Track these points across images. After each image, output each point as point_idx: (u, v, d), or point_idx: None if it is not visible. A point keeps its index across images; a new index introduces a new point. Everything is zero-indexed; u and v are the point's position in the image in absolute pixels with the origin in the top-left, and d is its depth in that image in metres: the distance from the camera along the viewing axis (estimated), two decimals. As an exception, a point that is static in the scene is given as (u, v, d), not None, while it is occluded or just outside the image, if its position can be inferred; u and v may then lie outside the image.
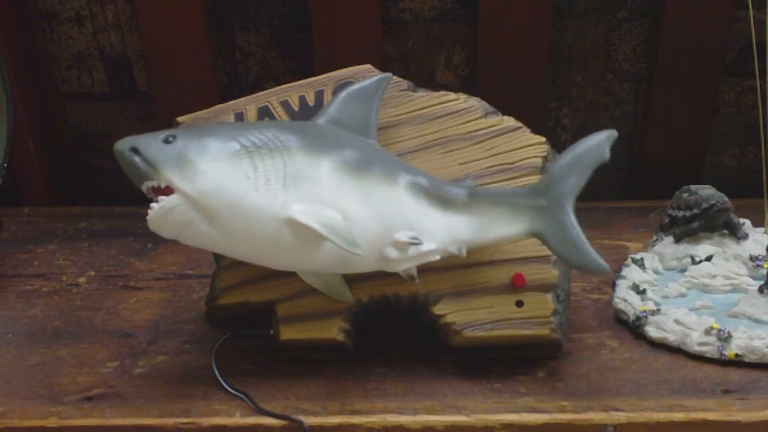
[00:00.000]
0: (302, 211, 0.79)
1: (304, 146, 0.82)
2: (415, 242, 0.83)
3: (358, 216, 0.81)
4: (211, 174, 0.78)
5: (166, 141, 0.79)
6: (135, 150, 0.79)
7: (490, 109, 0.94)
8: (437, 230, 0.85)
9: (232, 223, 0.79)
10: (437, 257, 0.85)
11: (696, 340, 0.91)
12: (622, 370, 0.91)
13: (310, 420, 0.84)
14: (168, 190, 0.79)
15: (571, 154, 0.86)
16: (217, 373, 0.90)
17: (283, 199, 0.80)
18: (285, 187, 0.80)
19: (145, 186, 0.80)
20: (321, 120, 0.87)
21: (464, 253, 0.86)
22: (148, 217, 0.79)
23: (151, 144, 0.79)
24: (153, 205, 0.79)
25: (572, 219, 0.85)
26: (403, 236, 0.83)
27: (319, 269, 0.86)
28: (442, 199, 0.85)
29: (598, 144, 0.86)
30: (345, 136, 0.85)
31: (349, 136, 0.85)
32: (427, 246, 0.84)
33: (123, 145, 0.80)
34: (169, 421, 0.85)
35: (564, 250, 0.85)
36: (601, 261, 0.84)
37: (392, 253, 0.83)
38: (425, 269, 0.87)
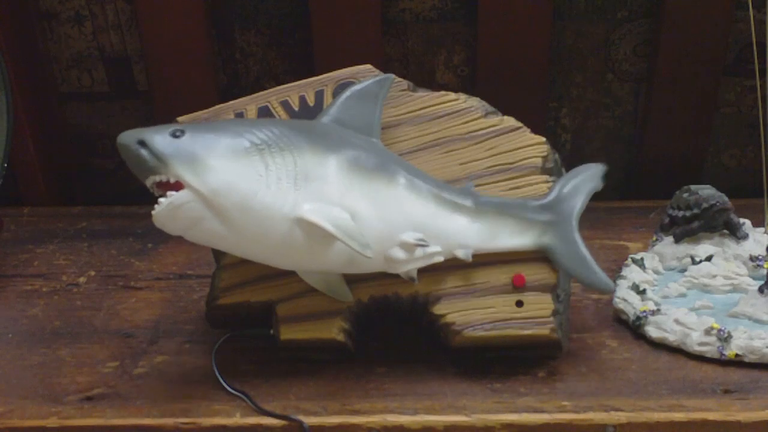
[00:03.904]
0: (314, 211, 0.79)
1: (313, 145, 0.81)
2: (422, 244, 0.83)
3: (366, 216, 0.81)
4: (224, 171, 0.77)
5: (174, 135, 0.78)
6: (142, 143, 0.78)
7: (490, 109, 0.94)
8: (443, 233, 0.85)
9: (242, 222, 0.78)
10: (442, 259, 0.85)
11: (696, 340, 0.91)
12: (622, 370, 0.91)
13: (310, 420, 0.84)
14: (176, 186, 0.77)
15: (578, 176, 0.90)
16: (217, 373, 0.90)
17: (294, 199, 0.79)
18: (296, 187, 0.79)
19: (151, 180, 0.79)
20: (325, 119, 0.87)
21: (470, 258, 0.87)
22: (154, 213, 0.78)
23: (159, 137, 0.78)
24: (161, 200, 0.78)
25: (579, 236, 0.88)
26: (410, 237, 0.83)
27: (327, 269, 0.86)
28: (449, 203, 0.86)
29: (597, 173, 0.91)
30: (351, 136, 0.85)
31: (354, 136, 0.85)
32: (433, 248, 0.84)
33: (128, 137, 0.78)
34: (169, 421, 0.85)
35: (572, 266, 0.88)
36: (607, 279, 0.88)
37: (398, 253, 0.83)
38: (425, 269, 0.87)
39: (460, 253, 0.86)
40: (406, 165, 0.87)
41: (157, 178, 0.78)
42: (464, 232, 0.86)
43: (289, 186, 0.79)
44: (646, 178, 1.34)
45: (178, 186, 0.78)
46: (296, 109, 0.91)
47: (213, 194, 0.77)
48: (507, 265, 0.90)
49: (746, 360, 0.90)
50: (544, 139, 0.93)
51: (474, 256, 0.88)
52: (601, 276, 0.88)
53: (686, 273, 1.02)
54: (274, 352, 0.91)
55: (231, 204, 0.78)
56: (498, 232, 0.88)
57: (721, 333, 0.90)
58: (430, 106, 0.92)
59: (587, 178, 0.91)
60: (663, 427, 0.83)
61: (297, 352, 0.91)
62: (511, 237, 0.88)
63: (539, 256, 0.89)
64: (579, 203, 0.89)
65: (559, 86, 1.31)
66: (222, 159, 0.78)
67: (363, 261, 0.82)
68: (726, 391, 0.87)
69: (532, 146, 0.92)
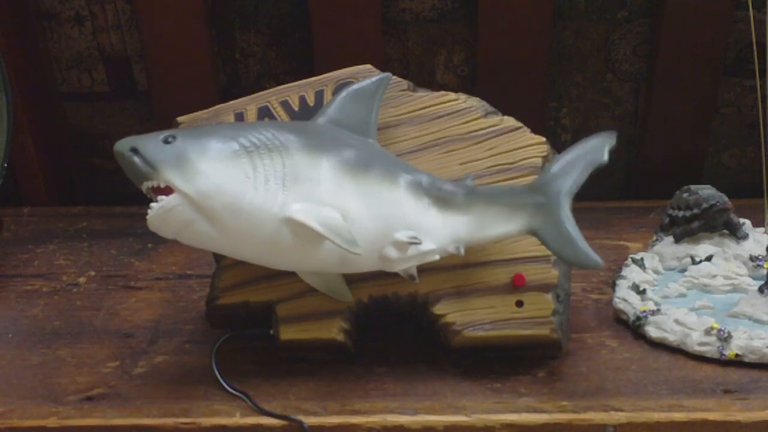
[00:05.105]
0: (301, 211, 0.79)
1: (304, 146, 0.82)
2: (415, 242, 0.83)
3: (358, 216, 0.81)
4: (211, 174, 0.79)
5: (166, 141, 0.80)
6: (134, 150, 0.79)
7: (490, 109, 0.94)
8: (436, 229, 0.85)
9: (231, 223, 0.79)
10: (437, 257, 0.85)
11: (696, 340, 0.91)
12: (622, 370, 0.91)
13: (310, 420, 0.84)
14: (168, 190, 0.79)
15: (571, 153, 0.87)
16: (217, 373, 0.90)
17: (283, 199, 0.80)
18: (284, 187, 0.80)
19: (145, 186, 0.80)
20: (321, 120, 0.87)
21: (462, 251, 0.86)
22: (147, 217, 0.80)
23: (150, 144, 0.80)
24: (153, 205, 0.80)
25: (568, 215, 0.85)
26: (402, 236, 0.83)
27: (319, 269, 0.86)
28: (440, 199, 0.85)
29: (598, 146, 0.87)
30: (344, 135, 0.85)
31: (348, 135, 0.85)
32: (427, 246, 0.84)
33: (122, 145, 0.80)
34: (169, 421, 0.85)
35: (558, 246, 0.85)
36: (594, 256, 0.84)
37: (392, 252, 0.83)
38: (425, 269, 0.87)
39: (452, 248, 0.86)
40: (401, 164, 0.87)
41: (150, 184, 0.80)
42: (456, 225, 0.85)
43: (278, 187, 0.80)
44: (646, 178, 1.34)
45: (169, 191, 0.79)
46: (296, 109, 0.91)
47: (202, 197, 0.78)
48: (507, 265, 0.90)
49: (746, 360, 0.90)
50: (544, 139, 0.93)
51: (474, 255, 0.88)
52: (590, 254, 0.84)
53: (686, 273, 1.02)
54: (274, 352, 0.92)
55: (220, 206, 0.79)
56: (488, 221, 0.86)
57: (721, 333, 0.90)
58: (430, 106, 0.92)
59: (584, 152, 0.87)
60: (663, 427, 0.83)
61: (297, 352, 0.91)
62: (501, 224, 0.86)
63: (539, 255, 0.89)
64: (570, 181, 0.86)
65: (559, 86, 1.31)
66: (210, 162, 0.79)
67: (357, 260, 0.82)
68: (726, 391, 0.87)
69: (532, 146, 0.92)
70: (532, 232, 0.86)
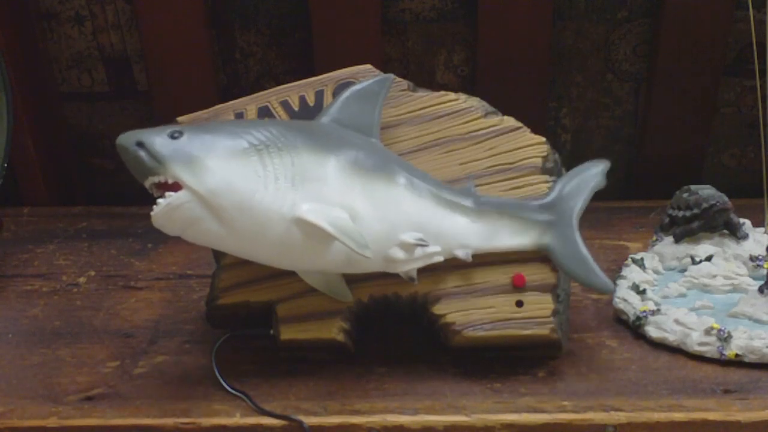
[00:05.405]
0: (312, 211, 0.79)
1: (311, 145, 0.81)
2: (422, 244, 0.83)
3: (365, 216, 0.81)
4: (221, 171, 0.78)
5: (173, 136, 0.79)
6: (140, 144, 0.78)
7: (490, 109, 0.94)
8: (443, 233, 0.85)
9: (240, 222, 0.79)
10: (441, 259, 0.85)
11: (696, 340, 0.91)
12: (622, 370, 0.91)
13: (310, 420, 0.84)
14: (174, 186, 0.78)
15: (579, 176, 0.90)
16: (217, 373, 0.90)
17: (292, 199, 0.79)
18: (294, 187, 0.79)
19: (149, 181, 0.79)
20: (324, 119, 0.87)
21: (470, 258, 0.87)
22: (153, 213, 0.78)
23: (157, 138, 0.78)
24: (159, 201, 0.78)
25: (579, 236, 0.88)
26: (409, 237, 0.83)
27: (326, 269, 0.86)
28: (449, 203, 0.86)
29: (597, 171, 0.91)
30: (350, 135, 0.85)
31: (354, 135, 0.85)
32: (433, 248, 0.84)
33: (127, 139, 0.79)
34: (169, 421, 0.85)
35: (571, 266, 0.88)
36: (606, 279, 0.88)
37: (398, 253, 0.83)
38: (425, 269, 0.87)
39: (460, 253, 0.86)
40: (406, 165, 0.87)
41: (156, 179, 0.79)
42: (464, 232, 0.87)
43: (287, 186, 0.79)
44: (646, 178, 1.34)
45: (176, 187, 0.78)
46: (296, 109, 0.91)
47: (211, 194, 0.77)
48: (507, 265, 0.90)
49: (746, 360, 0.90)
50: (544, 139, 0.93)
51: (474, 255, 0.88)
52: (601, 276, 0.88)
53: (686, 273, 1.02)
54: (274, 352, 0.91)
55: (229, 204, 0.78)
56: (498, 232, 0.88)
57: (721, 333, 0.90)
58: (430, 106, 0.92)
59: (589, 177, 0.90)
60: (663, 427, 0.83)
61: (297, 352, 0.91)
62: (511, 237, 0.88)
63: (539, 256, 0.89)
64: (579, 203, 0.89)
65: (559, 86, 1.31)
66: (220, 159, 0.78)
67: (362, 261, 0.82)
68: (726, 391, 0.87)
69: (532, 146, 0.92)
70: (543, 249, 0.88)
